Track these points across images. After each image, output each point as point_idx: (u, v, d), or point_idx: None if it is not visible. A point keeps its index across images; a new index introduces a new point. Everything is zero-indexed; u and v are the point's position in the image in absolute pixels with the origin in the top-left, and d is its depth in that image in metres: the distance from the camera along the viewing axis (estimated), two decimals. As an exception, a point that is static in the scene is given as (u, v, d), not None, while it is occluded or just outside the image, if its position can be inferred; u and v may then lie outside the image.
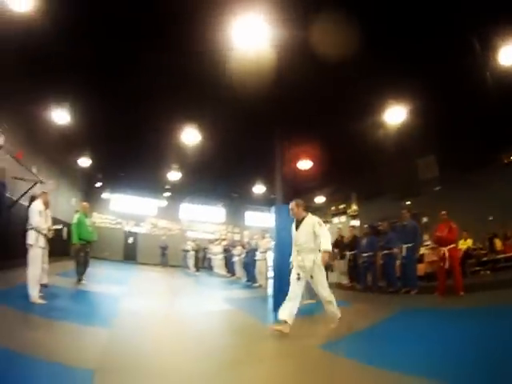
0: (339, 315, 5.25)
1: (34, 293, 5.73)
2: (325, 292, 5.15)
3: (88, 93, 9.08)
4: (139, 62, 7.84)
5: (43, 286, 6.26)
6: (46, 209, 6.40)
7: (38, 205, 6.17)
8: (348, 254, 11.63)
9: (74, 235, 8.61)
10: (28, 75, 8.55)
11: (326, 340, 4.78)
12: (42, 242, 6.08)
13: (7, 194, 8.63)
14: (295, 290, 5.15)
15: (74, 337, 4.27)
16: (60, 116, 10.45)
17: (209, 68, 7.70)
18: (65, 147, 13.84)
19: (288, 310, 4.97)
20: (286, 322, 4.89)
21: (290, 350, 4.34)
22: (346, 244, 11.95)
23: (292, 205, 5.50)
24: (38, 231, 6.00)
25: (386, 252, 9.91)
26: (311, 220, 5.30)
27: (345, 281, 11.70)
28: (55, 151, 14.06)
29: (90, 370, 3.10)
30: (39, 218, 6.02)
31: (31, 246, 5.90)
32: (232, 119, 10.14)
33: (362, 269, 10.77)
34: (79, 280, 8.49)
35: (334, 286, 11.49)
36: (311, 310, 6.89)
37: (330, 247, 5.13)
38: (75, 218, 8.69)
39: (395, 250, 9.48)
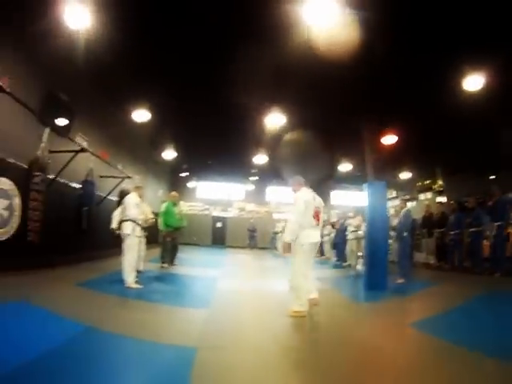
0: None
1: (130, 278, 6.17)
2: None
3: (169, 85, 9.36)
4: (222, 50, 7.92)
5: (139, 272, 6.74)
6: (141, 201, 6.82)
7: (133, 197, 6.60)
8: (436, 232, 11.12)
9: (161, 223, 9.19)
10: (104, 82, 9.25)
11: (418, 319, 4.67)
12: (138, 231, 6.51)
13: (96, 192, 9.34)
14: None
15: (174, 318, 4.55)
16: (141, 114, 11.05)
17: (291, 51, 7.52)
18: (149, 143, 14.67)
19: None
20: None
21: (382, 327, 4.38)
22: (435, 221, 11.43)
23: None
24: (135, 221, 6.42)
25: (472, 230, 9.36)
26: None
27: (432, 260, 11.25)
28: (140, 148, 14.96)
29: (194, 347, 3.27)
30: (135, 209, 6.45)
31: (128, 235, 6.34)
32: (315, 99, 9.86)
33: (449, 247, 10.29)
34: (163, 264, 9.09)
35: (422, 266, 11.06)
36: (404, 289, 6.93)
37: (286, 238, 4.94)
38: (163, 207, 9.26)
39: (483, 228, 8.95)
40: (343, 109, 9.83)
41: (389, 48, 7.33)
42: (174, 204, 9.48)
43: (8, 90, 5.45)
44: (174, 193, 10.08)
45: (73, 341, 3.27)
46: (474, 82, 8.53)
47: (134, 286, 6.11)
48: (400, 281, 7.39)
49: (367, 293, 6.57)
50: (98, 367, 2.74)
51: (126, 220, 6.42)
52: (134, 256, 6.34)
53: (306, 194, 5.01)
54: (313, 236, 4.92)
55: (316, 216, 4.93)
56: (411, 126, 10.88)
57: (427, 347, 3.57)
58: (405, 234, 7.75)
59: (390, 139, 11.44)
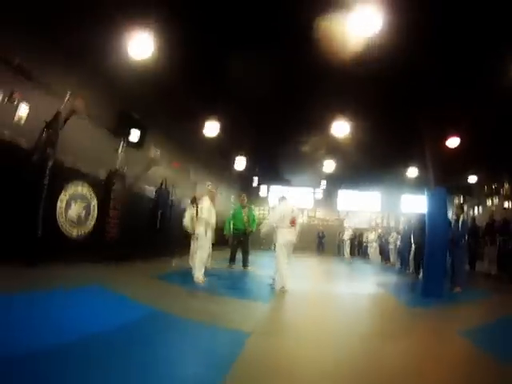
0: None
1: (199, 273, 6.61)
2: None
3: (238, 98, 9.91)
4: (289, 55, 8.25)
5: (206, 269, 7.23)
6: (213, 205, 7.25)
7: (207, 202, 7.03)
8: (498, 239, 10.27)
9: (226, 226, 9.64)
10: (174, 98, 10.10)
11: (468, 327, 4.58)
12: (210, 232, 6.98)
13: (170, 197, 10.07)
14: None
15: (234, 308, 4.91)
16: (212, 126, 11.78)
17: (354, 57, 7.65)
18: (220, 152, 15.47)
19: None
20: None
21: (424, 331, 4.44)
22: (497, 228, 10.59)
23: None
24: (207, 223, 6.89)
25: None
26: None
27: (494, 271, 10.40)
28: (211, 156, 15.83)
29: (248, 332, 3.59)
30: (207, 212, 6.88)
31: (200, 236, 6.83)
32: (378, 105, 9.85)
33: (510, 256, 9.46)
34: (230, 264, 9.32)
35: (482, 276, 10.35)
36: (468, 295, 6.94)
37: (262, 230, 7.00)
38: (231, 211, 9.69)
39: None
40: (407, 112, 9.63)
41: (450, 47, 7.17)
42: (243, 207, 9.60)
43: (83, 112, 6.26)
44: (242, 196, 10.10)
45: (142, 320, 3.76)
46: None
47: (202, 280, 6.56)
48: (457, 289, 7.22)
49: (421, 299, 6.47)
50: (161, 342, 3.16)
51: (199, 222, 6.93)
52: (204, 254, 6.81)
53: (284, 207, 6.83)
54: (288, 236, 6.61)
55: (292, 222, 6.65)
56: (477, 128, 10.30)
57: (465, 354, 3.55)
58: (462, 241, 7.50)
59: (454, 142, 10.91)
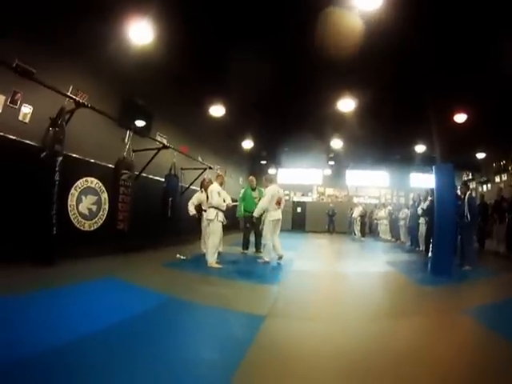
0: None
1: (212, 259, 6.73)
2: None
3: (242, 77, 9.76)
4: (294, 36, 8.04)
5: (219, 254, 7.32)
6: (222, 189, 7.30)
7: (216, 186, 7.11)
8: (507, 217, 10.18)
9: (238, 208, 9.56)
10: (179, 83, 10.10)
11: (470, 306, 4.66)
12: (221, 216, 7.02)
13: (179, 183, 10.06)
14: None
15: (248, 291, 5.05)
16: (218, 109, 11.78)
17: (358, 33, 7.46)
18: (228, 134, 15.39)
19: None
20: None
21: (431, 309, 4.49)
22: (506, 206, 10.49)
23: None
24: (217, 208, 6.95)
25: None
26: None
27: (502, 249, 10.31)
28: (219, 139, 15.86)
29: (262, 315, 3.70)
30: (218, 197, 6.94)
31: (212, 220, 6.90)
32: (383, 82, 9.63)
33: None
34: (243, 250, 9.20)
35: (492, 254, 10.36)
36: (477, 274, 7.00)
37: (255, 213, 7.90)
38: (241, 193, 9.63)
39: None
40: (414, 87, 9.38)
41: (457, 22, 6.95)
42: (253, 189, 9.39)
43: (87, 104, 6.22)
44: (251, 177, 9.87)
45: (159, 307, 3.89)
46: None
47: (215, 265, 6.65)
48: (466, 267, 7.26)
49: (431, 278, 6.54)
50: (174, 328, 3.25)
51: (210, 207, 6.99)
52: (217, 239, 6.89)
53: (273, 189, 7.82)
54: (275, 215, 7.69)
55: (278, 203, 7.71)
56: (485, 103, 10.00)
57: (471, 332, 3.63)
58: (468, 219, 7.45)
59: (461, 117, 10.71)
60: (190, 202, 8.30)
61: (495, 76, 8.56)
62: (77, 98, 6.00)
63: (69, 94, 5.95)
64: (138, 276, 5.48)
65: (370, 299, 5.01)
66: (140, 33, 7.04)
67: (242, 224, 9.76)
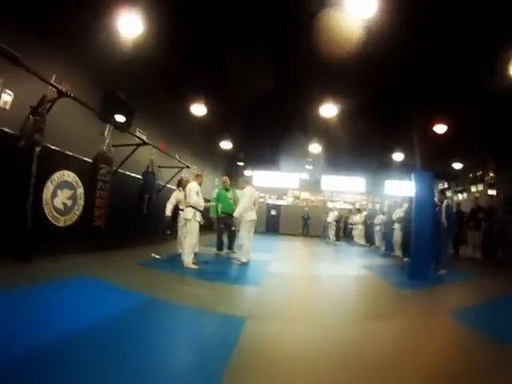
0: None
1: (189, 259, 6.69)
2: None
3: (224, 78, 9.70)
4: (275, 39, 8.07)
5: (195, 254, 7.26)
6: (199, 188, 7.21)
7: (195, 185, 7.02)
8: (483, 225, 10.73)
9: (211, 209, 9.41)
10: (161, 79, 10.07)
11: (452, 307, 4.85)
12: (198, 216, 6.95)
13: (156, 181, 9.85)
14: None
15: (227, 293, 5.06)
16: (198, 108, 11.64)
17: (341, 39, 7.55)
18: (206, 134, 15.28)
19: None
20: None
21: (414, 312, 4.60)
22: (482, 215, 10.99)
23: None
24: (195, 208, 6.89)
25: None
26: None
27: (478, 255, 10.84)
28: (197, 139, 15.73)
29: (243, 317, 3.71)
30: (197, 197, 6.89)
31: (189, 220, 6.84)
32: (365, 89, 9.80)
33: (494, 242, 9.93)
34: (218, 250, 9.24)
35: (467, 260, 10.79)
36: (453, 277, 7.25)
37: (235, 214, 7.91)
38: (214, 193, 9.58)
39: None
40: (395, 96, 9.65)
41: (440, 34, 7.15)
42: (226, 189, 9.45)
43: (70, 93, 6.05)
44: (224, 178, 9.90)
45: (135, 308, 3.81)
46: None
47: (192, 266, 6.62)
48: (442, 271, 7.54)
49: (407, 281, 6.74)
50: (156, 329, 3.20)
51: (188, 206, 6.93)
52: (194, 239, 6.86)
53: (250, 190, 8.08)
54: (251, 215, 7.97)
55: (254, 204, 8.04)
56: (464, 115, 10.40)
57: (453, 333, 3.75)
58: (446, 226, 7.82)
59: (441, 128, 11.11)
60: (169, 201, 8.15)
61: (475, 89, 8.90)
62: (60, 87, 5.81)
63: (52, 82, 5.76)
64: (114, 275, 5.36)
65: (349, 302, 5.16)
66: (128, 26, 6.94)
67: (216, 224, 9.67)
